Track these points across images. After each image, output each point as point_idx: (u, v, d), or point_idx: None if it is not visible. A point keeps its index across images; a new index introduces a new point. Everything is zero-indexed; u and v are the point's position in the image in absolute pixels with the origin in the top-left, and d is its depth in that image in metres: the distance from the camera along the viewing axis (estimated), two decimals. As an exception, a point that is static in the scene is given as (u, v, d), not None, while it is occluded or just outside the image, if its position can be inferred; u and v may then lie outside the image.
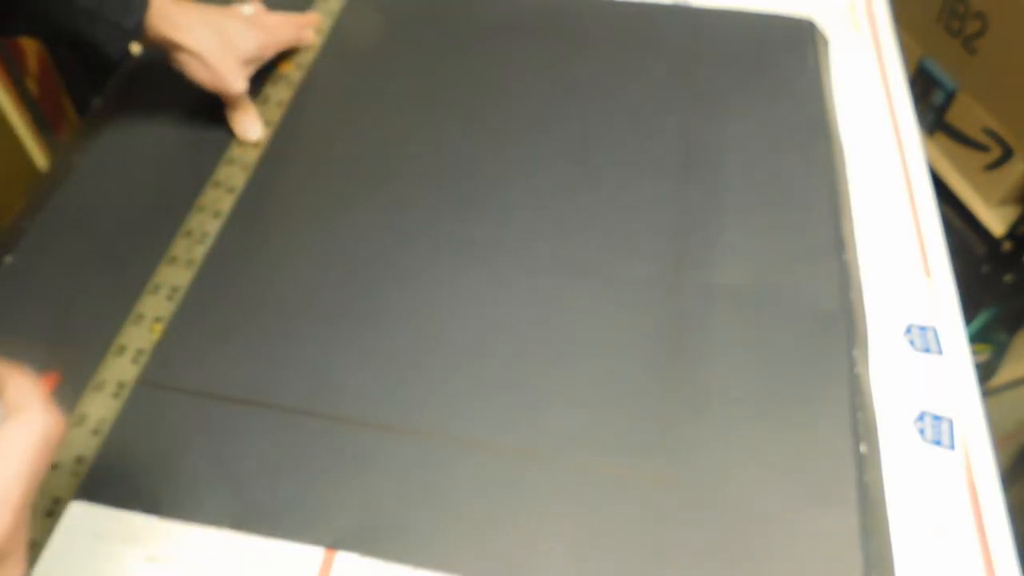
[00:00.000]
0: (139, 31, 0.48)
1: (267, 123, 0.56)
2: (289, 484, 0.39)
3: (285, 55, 0.60)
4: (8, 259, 0.48)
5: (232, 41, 0.53)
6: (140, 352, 0.44)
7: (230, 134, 0.55)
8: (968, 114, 1.10)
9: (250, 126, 0.55)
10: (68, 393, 0.42)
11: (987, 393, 1.05)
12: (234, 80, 0.53)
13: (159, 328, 0.45)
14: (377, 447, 0.40)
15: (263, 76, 0.59)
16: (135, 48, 0.59)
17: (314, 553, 0.37)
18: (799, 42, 0.61)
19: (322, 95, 0.58)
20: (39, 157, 0.99)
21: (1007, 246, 1.08)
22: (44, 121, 1.02)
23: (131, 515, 0.38)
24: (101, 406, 0.42)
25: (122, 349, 0.44)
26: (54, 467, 0.39)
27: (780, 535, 0.38)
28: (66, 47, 0.52)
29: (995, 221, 1.10)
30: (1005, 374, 1.07)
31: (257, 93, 0.58)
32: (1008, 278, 1.08)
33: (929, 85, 1.15)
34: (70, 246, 0.49)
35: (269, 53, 0.57)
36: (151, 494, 0.39)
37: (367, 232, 0.50)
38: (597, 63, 0.60)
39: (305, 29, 0.61)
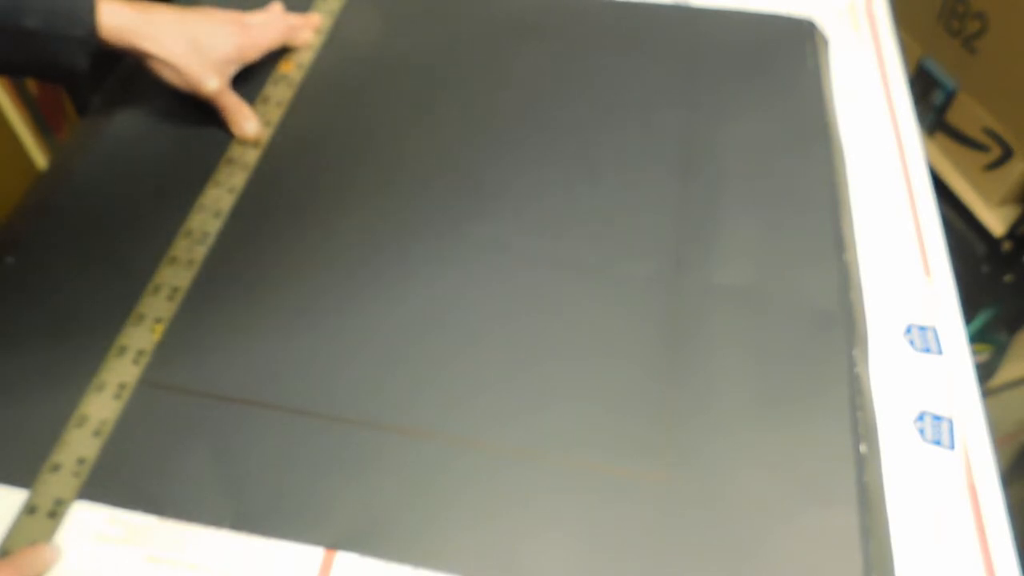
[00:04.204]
0: (92, 39, 0.48)
1: (267, 123, 0.56)
2: (289, 484, 0.39)
3: (284, 54, 0.60)
4: (8, 259, 0.48)
5: (201, 43, 0.52)
6: (141, 353, 0.44)
7: (230, 134, 0.55)
8: (968, 114, 1.10)
9: (243, 124, 0.55)
10: (69, 393, 0.42)
11: (987, 393, 1.05)
12: (204, 81, 0.53)
13: (160, 329, 0.45)
14: (377, 447, 0.41)
15: (263, 76, 0.59)
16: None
17: (314, 553, 0.37)
18: (799, 42, 0.61)
19: (322, 95, 0.58)
20: (39, 157, 0.99)
21: (1007, 246, 1.08)
22: (44, 121, 1.02)
23: (132, 515, 0.38)
24: (102, 407, 0.42)
25: (123, 350, 0.44)
26: (56, 468, 0.39)
27: (780, 535, 0.38)
28: (28, 75, 0.52)
29: (995, 221, 1.10)
30: (1005, 374, 1.07)
31: (257, 93, 0.58)
32: (1008, 278, 1.08)
33: (929, 85, 1.15)
34: (70, 246, 0.49)
35: (251, 54, 0.56)
36: (152, 495, 0.39)
37: (367, 231, 0.50)
38: (597, 63, 0.60)
39: (301, 29, 0.61)
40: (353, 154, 0.54)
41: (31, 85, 0.99)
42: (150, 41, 0.51)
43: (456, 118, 0.57)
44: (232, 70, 0.55)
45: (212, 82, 0.53)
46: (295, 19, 0.61)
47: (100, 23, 0.48)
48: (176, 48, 0.51)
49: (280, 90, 0.58)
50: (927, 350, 0.45)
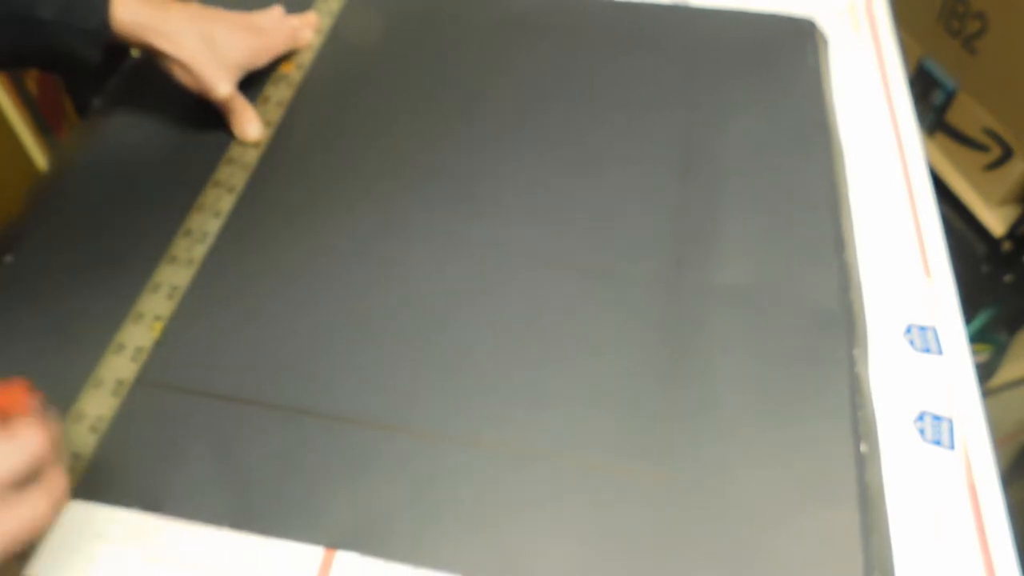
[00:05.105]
0: (105, 32, 0.48)
1: (267, 123, 0.56)
2: (289, 483, 0.39)
3: (284, 55, 0.60)
4: (8, 259, 0.48)
5: (218, 46, 0.52)
6: (139, 350, 0.44)
7: (230, 134, 0.55)
8: (968, 114, 1.10)
9: (247, 127, 0.55)
10: (67, 390, 0.42)
11: (987, 393, 1.05)
12: (217, 85, 0.52)
13: (159, 327, 0.45)
14: (377, 447, 0.40)
15: (263, 76, 0.59)
16: (135, 51, 0.59)
17: (314, 552, 0.37)
18: (799, 42, 0.61)
19: (322, 95, 0.58)
20: (39, 157, 0.99)
21: (1007, 246, 1.09)
22: (44, 121, 1.02)
23: (129, 514, 0.38)
24: (99, 404, 0.42)
25: (121, 347, 0.44)
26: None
27: (780, 535, 0.37)
28: (38, 66, 0.52)
29: (995, 221, 1.10)
30: (1005, 374, 1.07)
31: (257, 93, 0.58)
32: (1008, 278, 1.08)
33: (929, 85, 1.15)
34: (70, 245, 0.49)
35: (262, 59, 0.56)
36: (150, 493, 0.39)
37: (367, 231, 0.50)
38: (597, 63, 0.60)
39: (303, 30, 0.61)
40: (353, 154, 0.54)
41: (31, 85, 0.99)
42: (165, 39, 0.50)
43: (456, 118, 0.57)
44: (242, 74, 0.55)
45: (224, 87, 0.53)
46: (295, 20, 0.61)
47: (114, 17, 0.48)
48: (192, 49, 0.51)
49: (280, 90, 0.58)
50: (927, 350, 0.45)
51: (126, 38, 0.49)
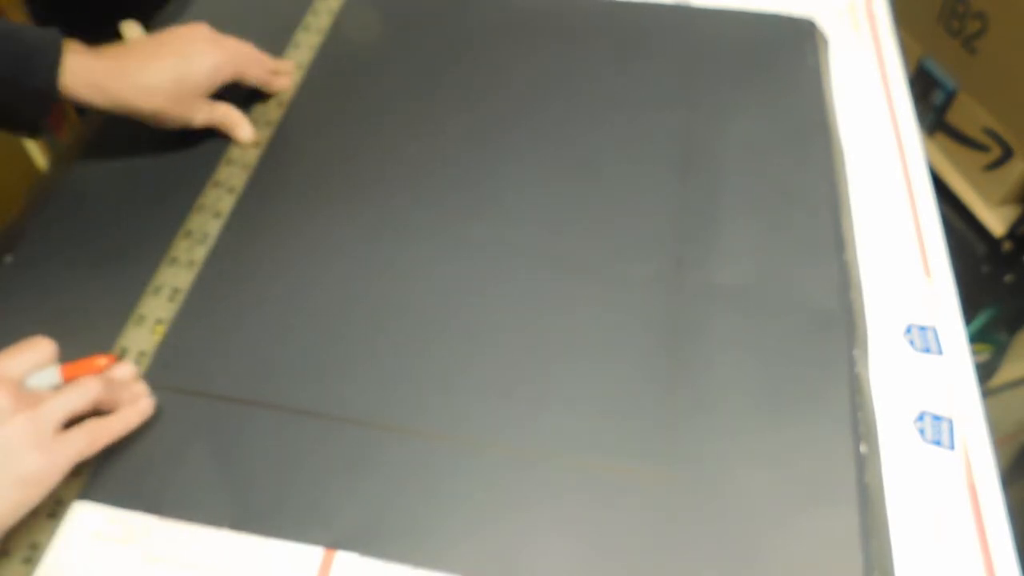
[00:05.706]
0: (53, 93, 0.46)
1: (267, 123, 0.56)
2: (289, 484, 0.39)
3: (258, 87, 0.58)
4: (8, 259, 0.48)
5: (181, 76, 0.50)
6: (142, 354, 0.44)
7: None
8: (968, 114, 1.11)
9: (237, 132, 0.54)
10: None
11: (987, 393, 1.05)
12: (192, 118, 0.52)
13: (161, 330, 0.45)
14: (377, 447, 0.40)
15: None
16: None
17: (314, 553, 0.37)
18: (799, 42, 0.61)
19: (322, 95, 0.58)
20: (39, 157, 0.99)
21: (1007, 246, 1.09)
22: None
23: (132, 515, 0.38)
24: (101, 406, 0.42)
25: (124, 351, 0.44)
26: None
27: (780, 535, 0.38)
28: None
29: (995, 221, 1.10)
30: (1005, 374, 1.07)
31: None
32: (1008, 278, 1.09)
33: (929, 85, 1.15)
34: (70, 246, 0.49)
35: (225, 73, 0.52)
36: (152, 494, 0.39)
37: (366, 232, 0.50)
38: (597, 63, 0.60)
39: (279, 76, 0.58)
40: (353, 153, 0.54)
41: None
42: (137, 94, 0.48)
43: (456, 118, 0.57)
44: (212, 88, 0.52)
45: (199, 115, 0.52)
46: (271, 63, 0.57)
47: (65, 83, 0.46)
48: (157, 96, 0.49)
49: (280, 90, 0.58)
50: (927, 350, 0.45)
51: (82, 101, 0.47)
